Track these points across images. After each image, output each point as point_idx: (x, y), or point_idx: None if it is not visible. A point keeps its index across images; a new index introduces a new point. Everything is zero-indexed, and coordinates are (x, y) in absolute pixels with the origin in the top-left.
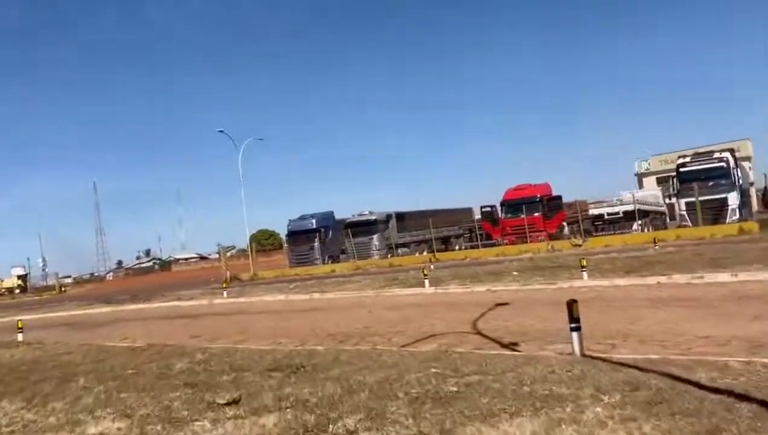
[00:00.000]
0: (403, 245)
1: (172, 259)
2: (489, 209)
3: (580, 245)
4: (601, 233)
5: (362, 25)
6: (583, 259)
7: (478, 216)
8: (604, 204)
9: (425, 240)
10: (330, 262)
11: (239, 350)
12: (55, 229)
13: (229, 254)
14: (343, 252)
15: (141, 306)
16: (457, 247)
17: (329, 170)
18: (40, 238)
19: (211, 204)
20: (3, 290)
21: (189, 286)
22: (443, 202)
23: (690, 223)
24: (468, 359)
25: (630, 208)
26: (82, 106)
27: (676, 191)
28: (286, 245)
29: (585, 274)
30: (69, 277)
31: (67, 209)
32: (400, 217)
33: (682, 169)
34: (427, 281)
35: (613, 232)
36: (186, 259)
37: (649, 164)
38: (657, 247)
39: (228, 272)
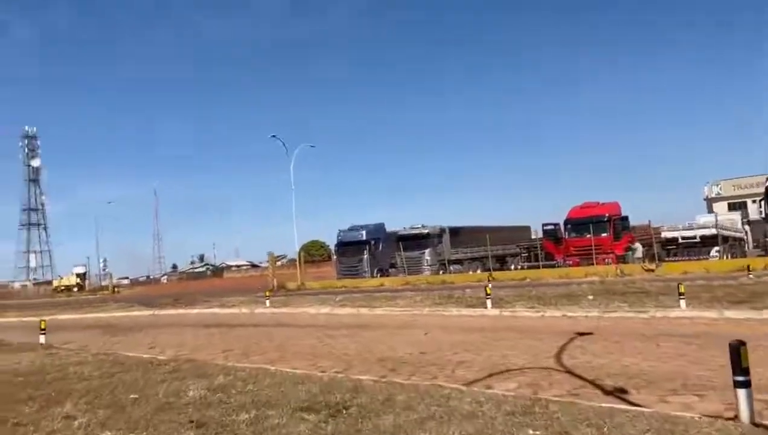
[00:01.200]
0: (456, 262)
1: (224, 265)
2: (552, 227)
3: (652, 270)
4: (673, 259)
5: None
6: (681, 284)
7: (535, 235)
8: (679, 227)
9: (479, 257)
10: (379, 275)
11: (270, 374)
12: (119, 232)
13: (279, 263)
14: (392, 266)
15: (181, 311)
16: (512, 267)
17: (382, 181)
18: (97, 240)
19: (266, 213)
20: (62, 287)
21: (235, 292)
22: (498, 220)
23: None
24: (574, 415)
25: (708, 232)
26: (148, 112)
27: (765, 215)
28: (334, 256)
29: (683, 303)
30: (126, 278)
31: (128, 213)
32: (454, 231)
33: None
34: (489, 301)
35: (688, 258)
36: (238, 266)
37: (720, 188)
38: (752, 276)
39: (275, 280)
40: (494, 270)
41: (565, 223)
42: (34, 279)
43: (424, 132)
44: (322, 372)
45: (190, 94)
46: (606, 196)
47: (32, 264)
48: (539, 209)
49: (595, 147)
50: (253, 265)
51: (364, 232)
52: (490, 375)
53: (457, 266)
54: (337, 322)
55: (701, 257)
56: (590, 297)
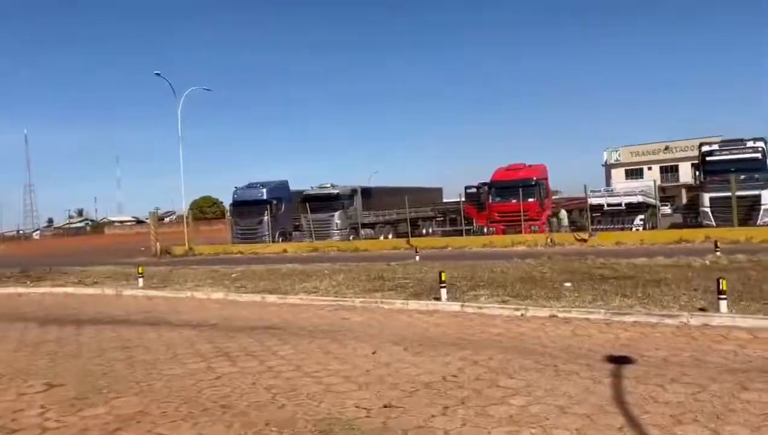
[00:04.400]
0: (368, 226)
1: (106, 220)
2: (474, 190)
3: (585, 240)
4: (597, 227)
5: None
6: (723, 278)
7: (449, 197)
8: (604, 193)
9: (391, 221)
10: (281, 239)
11: None
12: None
13: (167, 220)
14: (296, 229)
15: (22, 290)
16: (423, 232)
17: (286, 138)
18: None
19: (155, 165)
20: None
21: (113, 254)
22: (404, 182)
23: (713, 223)
24: None
25: (634, 199)
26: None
27: (699, 183)
28: (229, 217)
29: (724, 305)
30: None
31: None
32: (366, 193)
33: (709, 159)
34: (444, 291)
35: (613, 227)
36: (121, 222)
37: (619, 155)
38: (719, 253)
39: (157, 244)
40: (407, 234)
41: (490, 185)
42: None
43: (329, 89)
44: None
45: (66, 25)
46: (502, 162)
47: None
48: (445, 172)
49: (495, 115)
50: (139, 221)
51: (264, 191)
52: None
53: (368, 231)
54: (235, 318)
55: (626, 226)
56: (567, 284)
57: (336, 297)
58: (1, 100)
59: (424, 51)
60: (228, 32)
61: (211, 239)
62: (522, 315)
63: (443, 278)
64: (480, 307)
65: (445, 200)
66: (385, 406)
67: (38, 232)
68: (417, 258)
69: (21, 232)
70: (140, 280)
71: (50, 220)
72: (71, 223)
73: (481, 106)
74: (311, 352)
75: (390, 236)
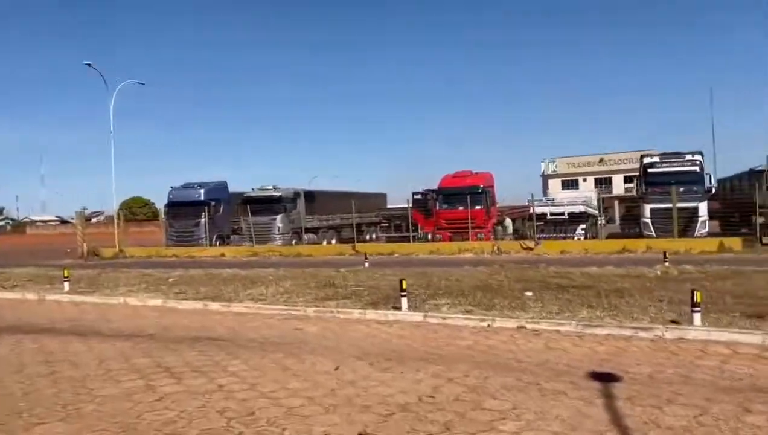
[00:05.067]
0: (311, 231)
1: (28, 220)
2: (421, 197)
3: (531, 249)
4: (540, 235)
5: None
6: (698, 291)
7: (393, 203)
8: (547, 202)
9: (335, 226)
10: (218, 243)
11: None
12: None
13: (95, 220)
14: (235, 232)
15: None
16: (368, 237)
17: (223, 139)
18: None
19: (82, 163)
20: None
21: (35, 256)
22: (346, 187)
23: (653, 233)
24: None
25: (576, 209)
26: None
27: (641, 195)
28: (164, 218)
29: (697, 317)
30: None
31: None
32: (309, 196)
33: (650, 170)
34: (405, 300)
35: (555, 236)
36: (44, 221)
37: (556, 166)
38: (668, 263)
39: (84, 245)
40: (351, 240)
41: (437, 192)
42: None
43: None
44: None
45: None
46: (442, 170)
47: None
48: (388, 178)
49: (437, 122)
50: (63, 221)
51: (202, 191)
52: None
53: (311, 235)
54: (176, 328)
55: (568, 235)
56: (529, 293)
57: (286, 305)
58: None
59: (367, 52)
60: (162, 25)
61: (142, 241)
62: (489, 326)
63: (404, 286)
64: (444, 318)
65: (389, 206)
66: (361, 434)
67: None
68: (366, 264)
69: None
70: (66, 284)
71: None
72: None
73: (424, 112)
74: (265, 368)
75: (333, 242)
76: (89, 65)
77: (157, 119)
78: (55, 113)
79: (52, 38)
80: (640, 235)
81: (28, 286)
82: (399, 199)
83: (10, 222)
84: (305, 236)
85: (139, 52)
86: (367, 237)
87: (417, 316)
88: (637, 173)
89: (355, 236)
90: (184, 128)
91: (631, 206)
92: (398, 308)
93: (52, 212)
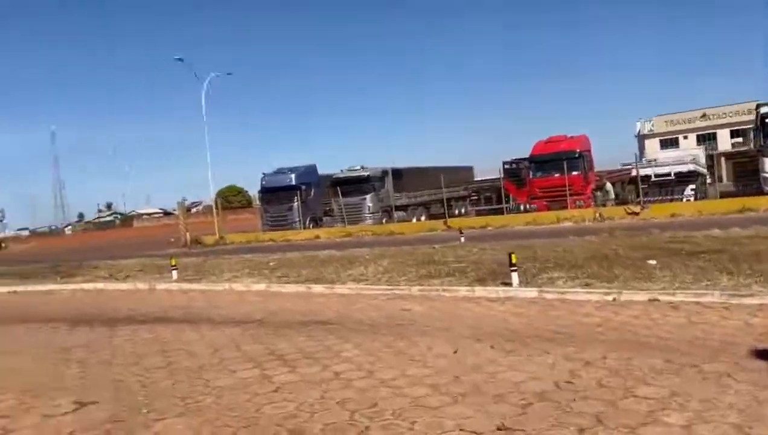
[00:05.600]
0: (400, 208)
1: (134, 213)
2: (514, 166)
3: (637, 213)
4: (647, 199)
5: None
6: None
7: (482, 176)
8: (649, 163)
9: (423, 203)
10: (312, 225)
11: None
12: (19, 180)
13: (194, 210)
14: (326, 214)
15: (53, 287)
16: (456, 212)
17: (310, 121)
18: None
19: (179, 156)
20: None
21: (142, 247)
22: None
23: None
24: None
25: (684, 168)
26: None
27: (759, 148)
28: (259, 204)
29: None
30: (26, 229)
31: (26, 160)
32: (397, 174)
33: None
34: (516, 275)
35: (662, 198)
36: (149, 214)
37: (653, 125)
38: None
39: (187, 234)
40: (440, 216)
41: (530, 160)
42: None
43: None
44: None
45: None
46: (536, 136)
47: None
48: (473, 151)
49: (523, 87)
50: (166, 213)
51: (293, 176)
52: None
53: (400, 213)
54: (282, 312)
55: (675, 197)
56: (652, 262)
57: (389, 285)
58: (27, 99)
59: (447, 20)
60: (246, 20)
61: (238, 228)
62: (614, 300)
63: (514, 260)
64: (562, 293)
65: (477, 178)
66: (500, 429)
67: (69, 227)
68: (462, 239)
69: (53, 227)
70: (174, 273)
71: (81, 215)
72: (101, 217)
73: (507, 78)
74: (379, 353)
75: (423, 218)
76: (180, 59)
77: (243, 108)
78: (153, 110)
79: (141, 40)
80: (760, 192)
81: (139, 276)
82: (486, 172)
83: (119, 216)
84: (395, 214)
85: (228, 46)
86: (456, 211)
87: (531, 292)
88: (752, 126)
89: (446, 211)
90: (270, 115)
91: (743, 162)
92: (509, 284)
93: (156, 205)
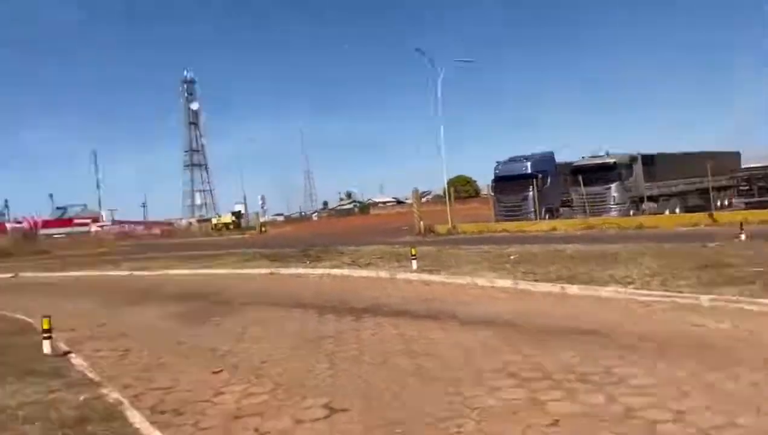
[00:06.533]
0: (651, 199)
1: (370, 202)
2: None
3: None
4: None
5: None
6: None
7: (748, 163)
8: None
9: (678, 193)
10: (547, 216)
11: None
12: (275, 170)
13: (424, 200)
14: (564, 205)
15: (302, 271)
16: (718, 203)
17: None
18: (242, 179)
19: (411, 145)
20: (220, 225)
21: (379, 233)
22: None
23: None
24: None
25: None
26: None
27: None
28: (492, 194)
29: None
30: (281, 214)
31: (281, 153)
32: (648, 160)
33: None
34: None
35: None
36: (384, 202)
37: None
38: None
39: (421, 223)
40: (699, 208)
41: None
42: (201, 216)
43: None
44: None
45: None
46: None
47: (198, 202)
48: (735, 133)
49: None
50: (399, 202)
51: (528, 164)
52: None
53: (651, 204)
54: (533, 314)
55: None
56: None
57: (667, 291)
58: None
59: None
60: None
61: (466, 217)
62: None
63: None
64: None
65: (744, 166)
66: None
67: (316, 213)
68: (743, 236)
69: (303, 213)
70: (413, 262)
71: (325, 203)
72: (342, 205)
73: None
74: (683, 384)
75: (677, 210)
76: (418, 50)
77: (472, 95)
78: (387, 101)
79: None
80: None
81: (379, 263)
82: (757, 158)
83: (357, 204)
84: (645, 205)
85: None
86: (718, 203)
87: None
88: None
89: (712, 203)
90: (502, 106)
91: None
92: None
93: (389, 193)
